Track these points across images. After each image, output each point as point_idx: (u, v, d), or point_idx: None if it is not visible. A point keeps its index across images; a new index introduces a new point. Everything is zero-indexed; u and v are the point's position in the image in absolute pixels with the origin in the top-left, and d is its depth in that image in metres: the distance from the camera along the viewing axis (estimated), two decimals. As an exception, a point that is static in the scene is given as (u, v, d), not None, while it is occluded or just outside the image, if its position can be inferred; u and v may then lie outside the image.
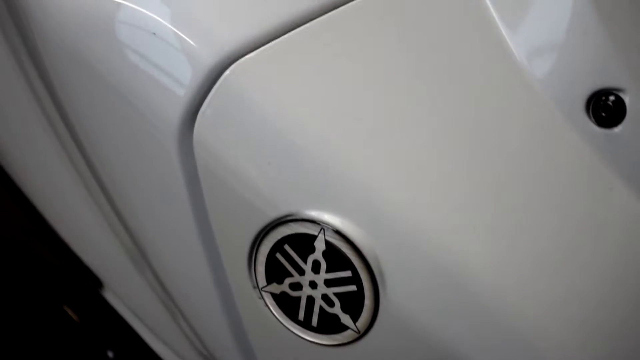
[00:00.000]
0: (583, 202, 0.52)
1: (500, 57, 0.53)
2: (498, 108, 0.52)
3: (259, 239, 0.53)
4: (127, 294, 0.76)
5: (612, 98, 0.51)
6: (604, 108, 0.51)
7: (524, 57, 0.53)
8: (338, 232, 0.50)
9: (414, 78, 0.52)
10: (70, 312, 0.91)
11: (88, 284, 0.81)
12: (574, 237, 0.51)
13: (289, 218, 0.52)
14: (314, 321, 0.54)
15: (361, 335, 0.53)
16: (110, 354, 0.88)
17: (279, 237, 0.52)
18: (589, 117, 0.51)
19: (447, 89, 0.52)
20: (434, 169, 0.50)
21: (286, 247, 0.52)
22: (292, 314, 0.55)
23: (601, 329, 0.51)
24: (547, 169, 0.51)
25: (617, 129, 0.51)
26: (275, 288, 0.55)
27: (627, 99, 0.51)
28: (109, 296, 0.81)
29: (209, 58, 0.51)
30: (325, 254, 0.51)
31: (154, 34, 0.54)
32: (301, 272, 0.53)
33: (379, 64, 0.52)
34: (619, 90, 0.51)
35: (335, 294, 0.52)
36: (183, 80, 0.53)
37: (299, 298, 0.54)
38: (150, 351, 0.80)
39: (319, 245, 0.51)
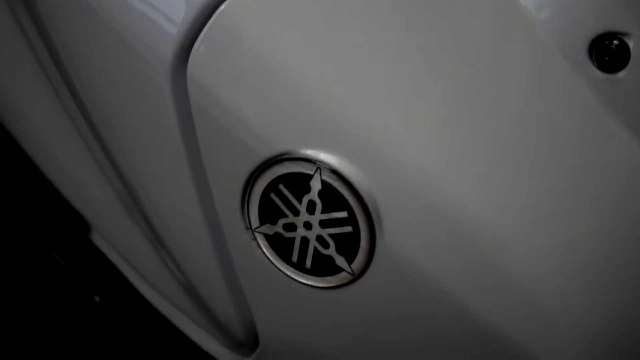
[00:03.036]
0: (583, 148, 0.51)
1: None
2: (498, 50, 0.51)
3: (252, 179, 0.52)
4: (116, 237, 0.75)
5: (615, 42, 0.50)
6: (608, 52, 0.50)
7: (528, 2, 0.52)
8: (335, 172, 0.49)
9: (414, 17, 0.51)
10: (56, 257, 0.90)
11: (75, 228, 0.80)
12: (573, 183, 0.50)
13: (284, 157, 0.50)
14: (308, 263, 0.53)
15: (356, 277, 0.52)
16: (96, 299, 0.87)
17: (274, 177, 0.51)
18: (592, 62, 0.50)
19: (447, 30, 0.51)
20: (433, 111, 0.49)
21: (281, 186, 0.51)
22: (285, 255, 0.54)
23: (599, 275, 0.50)
24: (547, 114, 0.50)
25: (620, 74, 0.50)
26: (269, 229, 0.54)
27: (631, 44, 0.49)
28: (97, 240, 0.80)
29: None
30: (321, 194, 0.50)
31: None
32: (296, 212, 0.52)
33: (379, 2, 0.51)
34: (623, 34, 0.49)
35: (331, 235, 0.51)
36: (176, 16, 0.52)
37: (293, 239, 0.53)
38: (138, 295, 0.79)
39: (315, 185, 0.50)
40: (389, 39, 0.50)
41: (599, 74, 0.50)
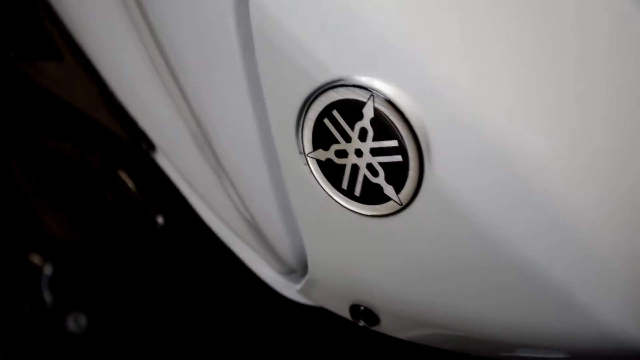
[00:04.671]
0: None
1: None
2: None
3: (308, 104, 0.53)
4: (177, 158, 0.77)
5: None
6: None
7: None
8: (387, 101, 0.49)
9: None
10: (124, 177, 0.92)
11: (141, 146, 0.82)
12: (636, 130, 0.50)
13: (338, 83, 0.51)
14: (357, 190, 0.54)
15: (403, 207, 0.53)
16: (160, 220, 0.89)
17: (328, 102, 0.52)
18: None
19: None
20: (495, 44, 0.49)
21: (334, 112, 0.52)
22: (335, 182, 0.55)
23: None
24: (615, 58, 0.50)
25: None
26: (321, 154, 0.54)
27: None
28: (161, 160, 0.82)
29: None
30: (373, 121, 0.51)
31: None
32: (348, 139, 0.52)
33: None
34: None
35: (380, 164, 0.52)
36: None
37: (344, 166, 0.54)
38: (199, 218, 0.81)
39: (367, 112, 0.50)
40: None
41: None
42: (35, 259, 1.17)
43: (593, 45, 0.50)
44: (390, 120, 0.50)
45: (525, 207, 0.49)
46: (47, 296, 1.16)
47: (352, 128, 0.52)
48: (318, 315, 0.72)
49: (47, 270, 1.16)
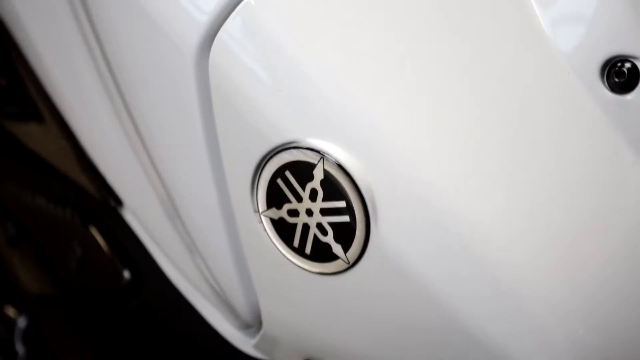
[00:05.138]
0: (584, 162, 0.52)
1: (518, 12, 0.53)
2: (511, 62, 0.53)
3: (262, 164, 0.55)
4: (141, 212, 0.78)
5: (627, 65, 0.51)
6: (619, 74, 0.51)
7: (545, 21, 0.53)
8: (337, 163, 0.52)
9: (431, 23, 0.53)
10: (94, 232, 0.93)
11: (109, 202, 0.84)
12: (570, 195, 0.52)
13: (292, 145, 0.53)
14: (308, 249, 0.56)
15: (350, 266, 0.55)
16: (126, 275, 0.90)
17: (281, 163, 0.54)
18: (603, 82, 0.52)
19: (461, 37, 0.53)
20: (440, 115, 0.51)
21: (287, 173, 0.54)
22: (287, 240, 0.57)
23: (598, 291, 0.52)
24: (552, 127, 0.52)
25: (629, 96, 0.51)
26: (274, 213, 0.56)
27: None
28: (127, 215, 0.83)
29: None
30: (323, 182, 0.53)
31: None
32: (299, 199, 0.54)
33: (399, 8, 0.53)
34: (635, 57, 0.51)
35: (330, 224, 0.54)
36: (206, 4, 0.55)
37: (295, 225, 0.56)
38: (164, 275, 0.82)
39: (318, 174, 0.53)
40: (404, 42, 0.52)
41: (608, 94, 0.52)
42: (10, 312, 1.17)
43: (539, 119, 0.52)
44: (339, 182, 0.52)
45: (466, 271, 0.51)
46: (20, 348, 1.16)
47: (304, 188, 0.54)
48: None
49: (21, 322, 1.17)
